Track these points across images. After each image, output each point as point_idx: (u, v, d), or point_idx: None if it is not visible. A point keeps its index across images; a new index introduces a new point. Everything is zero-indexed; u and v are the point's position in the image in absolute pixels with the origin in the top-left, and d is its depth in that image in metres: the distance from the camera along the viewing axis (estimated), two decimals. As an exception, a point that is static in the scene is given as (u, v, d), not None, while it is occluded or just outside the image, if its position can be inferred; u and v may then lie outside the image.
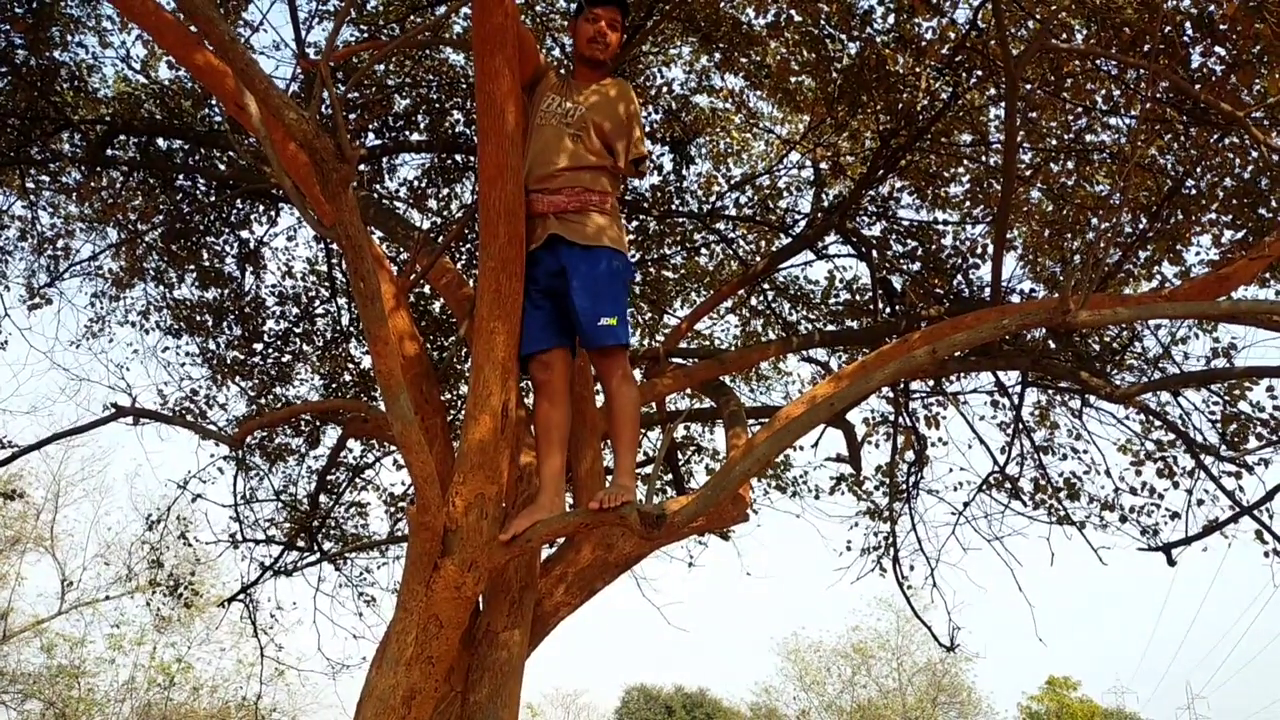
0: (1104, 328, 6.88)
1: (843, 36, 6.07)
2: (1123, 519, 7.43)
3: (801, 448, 8.56)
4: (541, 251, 3.55)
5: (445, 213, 7.57)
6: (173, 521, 8.82)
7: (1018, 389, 7.24)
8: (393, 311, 4.09)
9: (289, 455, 8.50)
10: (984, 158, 6.67)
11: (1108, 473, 7.49)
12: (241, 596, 8.63)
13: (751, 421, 5.87)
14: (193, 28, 3.75)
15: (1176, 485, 7.10)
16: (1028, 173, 6.50)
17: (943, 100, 6.08)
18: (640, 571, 10.28)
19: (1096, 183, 6.45)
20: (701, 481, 9.06)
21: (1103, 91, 5.88)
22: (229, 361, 7.96)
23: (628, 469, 3.40)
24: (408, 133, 7.09)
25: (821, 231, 6.80)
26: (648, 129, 7.29)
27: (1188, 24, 5.11)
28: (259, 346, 7.97)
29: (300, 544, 8.48)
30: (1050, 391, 7.56)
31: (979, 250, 6.95)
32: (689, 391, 7.38)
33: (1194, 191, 5.91)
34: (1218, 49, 5.12)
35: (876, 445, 8.20)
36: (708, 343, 8.86)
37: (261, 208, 7.56)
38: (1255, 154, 5.49)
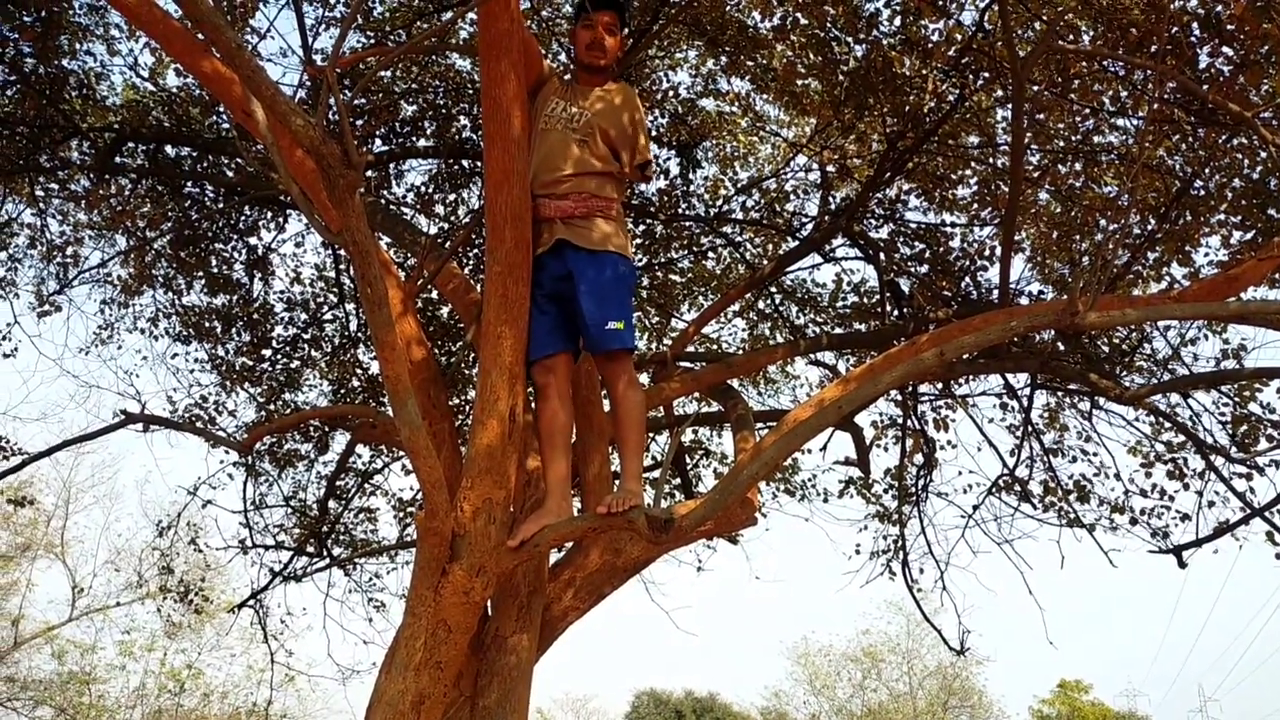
0: (1113, 329, 6.86)
1: (849, 39, 6.07)
2: (1133, 521, 7.40)
3: (810, 451, 8.56)
4: (548, 256, 3.55)
5: (452, 218, 7.58)
6: (183, 527, 8.85)
7: (1027, 391, 7.22)
8: (400, 317, 4.10)
9: (298, 461, 8.52)
10: (991, 159, 6.66)
11: (1117, 475, 7.46)
12: (251, 602, 8.65)
13: (759, 425, 5.87)
14: (200, 35, 3.76)
15: (1187, 487, 7.07)
16: (1035, 174, 6.49)
17: (949, 102, 6.07)
18: (649, 576, 10.27)
19: (1104, 184, 6.43)
20: (709, 485, 9.06)
21: (1110, 93, 5.87)
22: (238, 367, 7.98)
23: (635, 473, 3.40)
24: (414, 138, 7.11)
25: (829, 234, 6.79)
26: (654, 133, 7.29)
27: (1195, 24, 5.10)
28: (268, 352, 7.98)
29: (310, 549, 8.50)
30: (1059, 394, 7.54)
31: (987, 252, 6.93)
32: (697, 395, 7.37)
33: (1202, 192, 5.88)
34: (1225, 49, 5.10)
35: (885, 448, 8.19)
36: (715, 346, 8.86)
37: (269, 214, 7.58)
38: (1264, 154, 5.48)
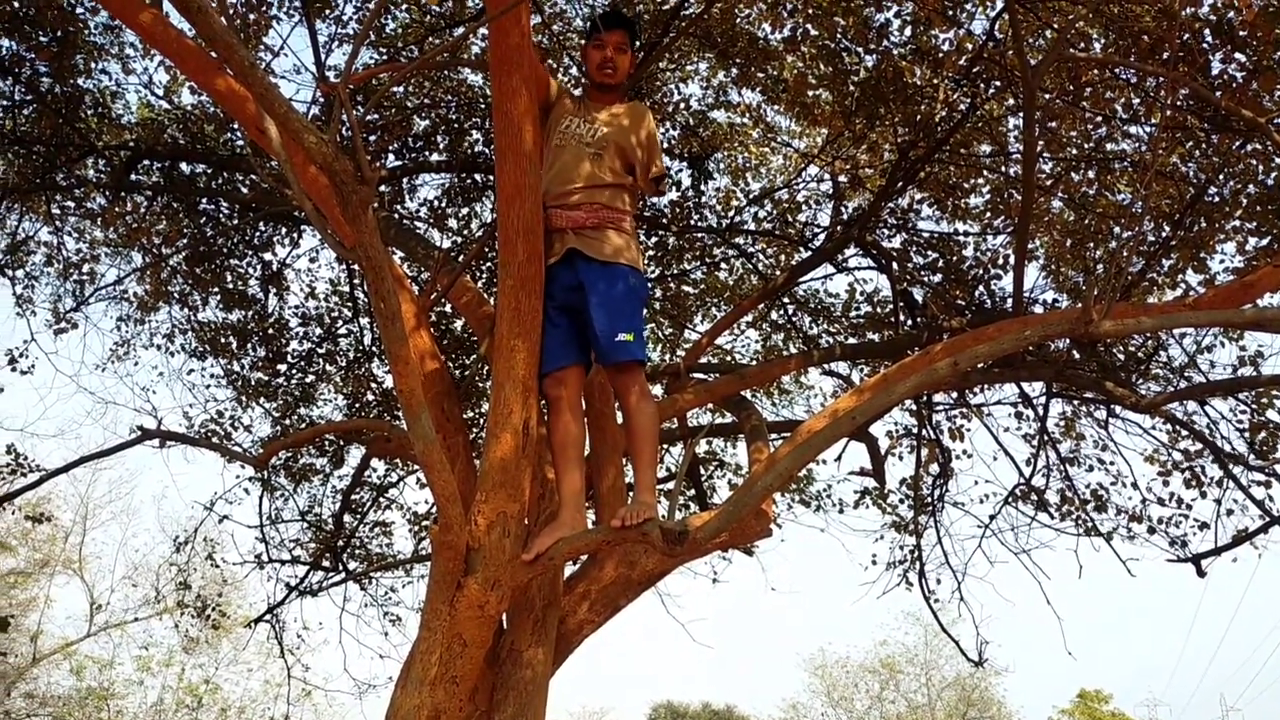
0: (1128, 337, 6.82)
1: (859, 49, 6.07)
2: (1151, 530, 7.35)
3: (824, 461, 8.53)
4: (559, 267, 3.56)
5: (465, 232, 7.61)
6: (200, 543, 8.88)
7: (1042, 400, 7.20)
8: (414, 331, 4.11)
9: (313, 475, 8.54)
10: (1004, 168, 6.65)
11: (1135, 484, 7.42)
12: (268, 617, 8.66)
13: (773, 436, 5.86)
14: (213, 53, 3.79)
15: (1205, 495, 7.02)
16: (1048, 182, 6.47)
17: (961, 111, 6.07)
18: (664, 588, 10.26)
19: (1118, 191, 6.41)
20: (724, 497, 9.03)
21: (1122, 100, 5.86)
22: (253, 383, 8.02)
23: (649, 485, 3.40)
24: (427, 153, 7.14)
25: (841, 245, 6.78)
26: (665, 145, 7.30)
27: (1207, 30, 5.08)
28: (283, 368, 8.01)
29: (325, 564, 8.51)
30: (1075, 402, 7.50)
31: (1000, 261, 6.92)
32: (710, 407, 7.36)
33: (1217, 199, 5.86)
34: (1238, 55, 5.09)
35: (900, 458, 8.16)
36: (728, 358, 8.85)
37: (284, 230, 7.62)
38: (1278, 160, 5.45)
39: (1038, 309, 6.68)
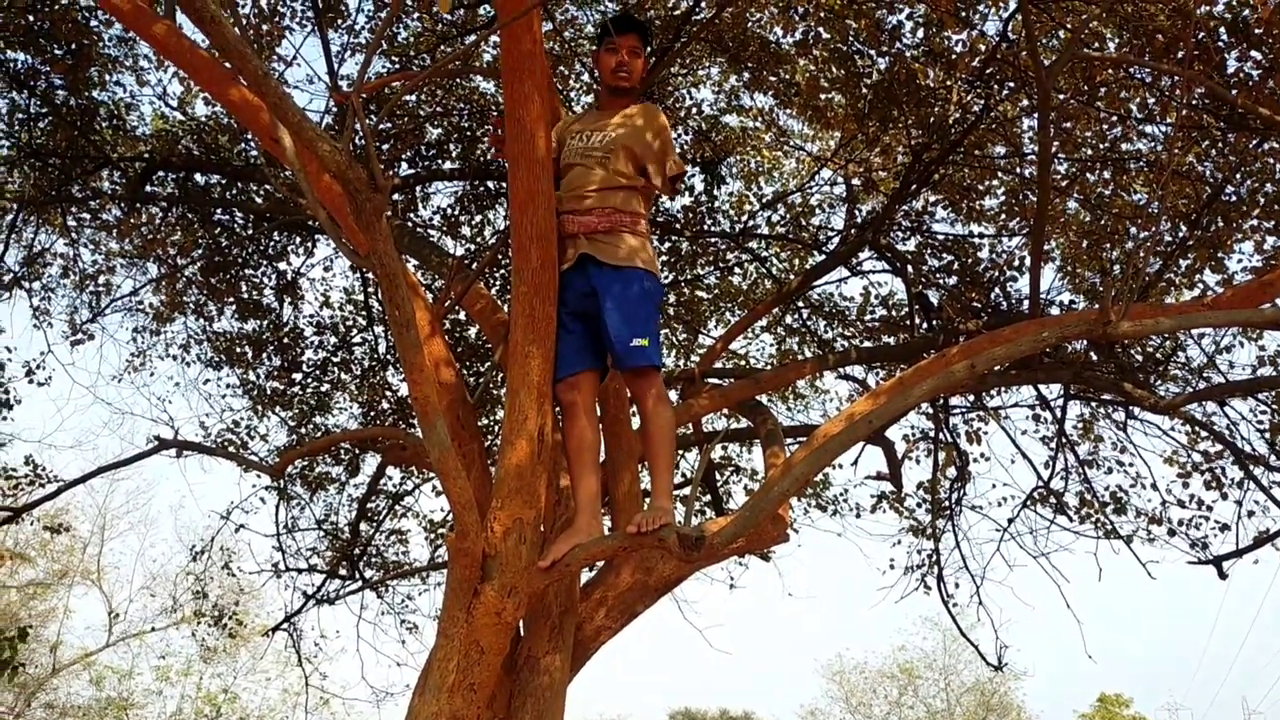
0: (1146, 338, 6.78)
1: (872, 52, 6.06)
2: (1171, 532, 7.31)
3: (841, 466, 8.50)
4: (572, 273, 3.55)
5: (478, 239, 7.62)
6: (217, 552, 8.91)
7: (1060, 402, 7.16)
8: (428, 338, 4.11)
9: (329, 484, 8.56)
10: (1018, 169, 6.62)
11: (1154, 485, 7.38)
12: (285, 626, 8.69)
13: (789, 440, 5.84)
14: (227, 64, 3.80)
15: (1225, 497, 6.97)
16: (1064, 183, 6.44)
17: (975, 113, 6.04)
18: (681, 594, 10.23)
19: (1134, 191, 6.38)
20: (740, 502, 9.01)
21: (1137, 99, 5.83)
22: (269, 392, 8.04)
23: (665, 490, 3.38)
24: (440, 161, 7.15)
25: (855, 248, 6.77)
26: (678, 150, 7.30)
27: (1222, 29, 5.05)
28: (298, 376, 8.04)
29: (342, 572, 8.53)
30: (1093, 404, 7.46)
31: (1016, 263, 6.89)
32: (726, 412, 7.34)
33: (1234, 198, 5.82)
34: (1254, 53, 5.06)
35: (917, 462, 8.13)
36: (743, 362, 8.83)
37: (298, 239, 7.65)
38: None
39: (1054, 311, 6.65)
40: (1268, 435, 6.57)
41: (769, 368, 7.95)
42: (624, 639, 4.35)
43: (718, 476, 8.55)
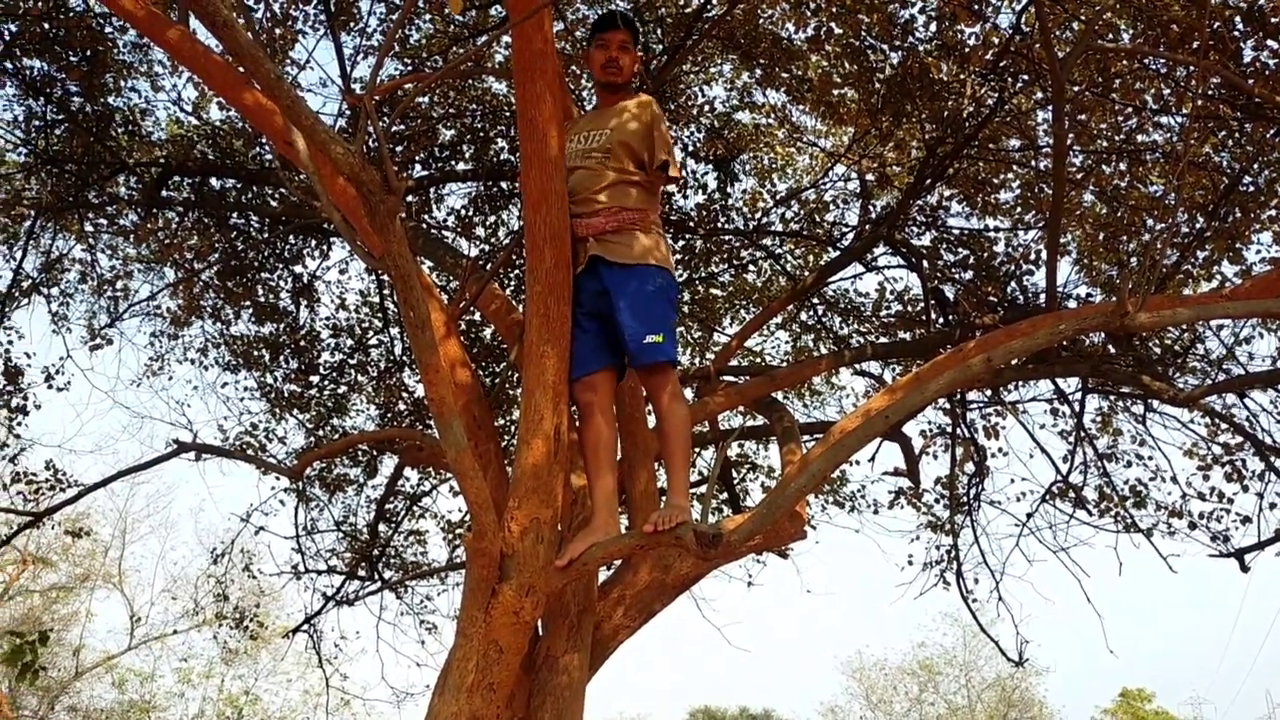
0: (1164, 330, 6.74)
1: (884, 47, 6.04)
2: (1192, 525, 7.26)
3: (858, 462, 8.47)
4: (584, 275, 3.55)
5: (492, 240, 7.63)
6: (237, 554, 8.96)
7: (1078, 396, 7.12)
8: (443, 339, 4.12)
9: (348, 485, 8.59)
10: (1033, 162, 6.58)
11: (1174, 478, 7.33)
12: (305, 627, 8.72)
13: (806, 437, 5.83)
14: (240, 68, 3.82)
15: (1246, 489, 6.93)
16: (1079, 176, 6.41)
17: (989, 106, 6.01)
18: (699, 592, 10.23)
19: (1150, 183, 6.34)
20: (757, 499, 9.00)
21: (1152, 90, 5.79)
22: (286, 395, 8.07)
23: (681, 488, 3.38)
24: (453, 162, 7.16)
25: (870, 243, 6.74)
26: (691, 148, 7.29)
27: (1237, 18, 5.02)
28: (315, 379, 8.06)
29: (361, 573, 8.56)
30: (1112, 397, 7.42)
31: (1032, 256, 6.85)
32: (741, 409, 7.33)
33: (1251, 188, 5.78)
34: (1270, 42, 5.02)
35: (935, 457, 8.10)
36: (759, 360, 8.82)
37: (313, 242, 7.67)
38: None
39: (1071, 304, 6.61)
40: (1289, 427, 6.52)
41: (784, 365, 7.93)
42: (642, 637, 4.35)
43: (734, 474, 8.54)
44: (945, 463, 7.66)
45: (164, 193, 7.07)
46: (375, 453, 8.29)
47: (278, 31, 6.36)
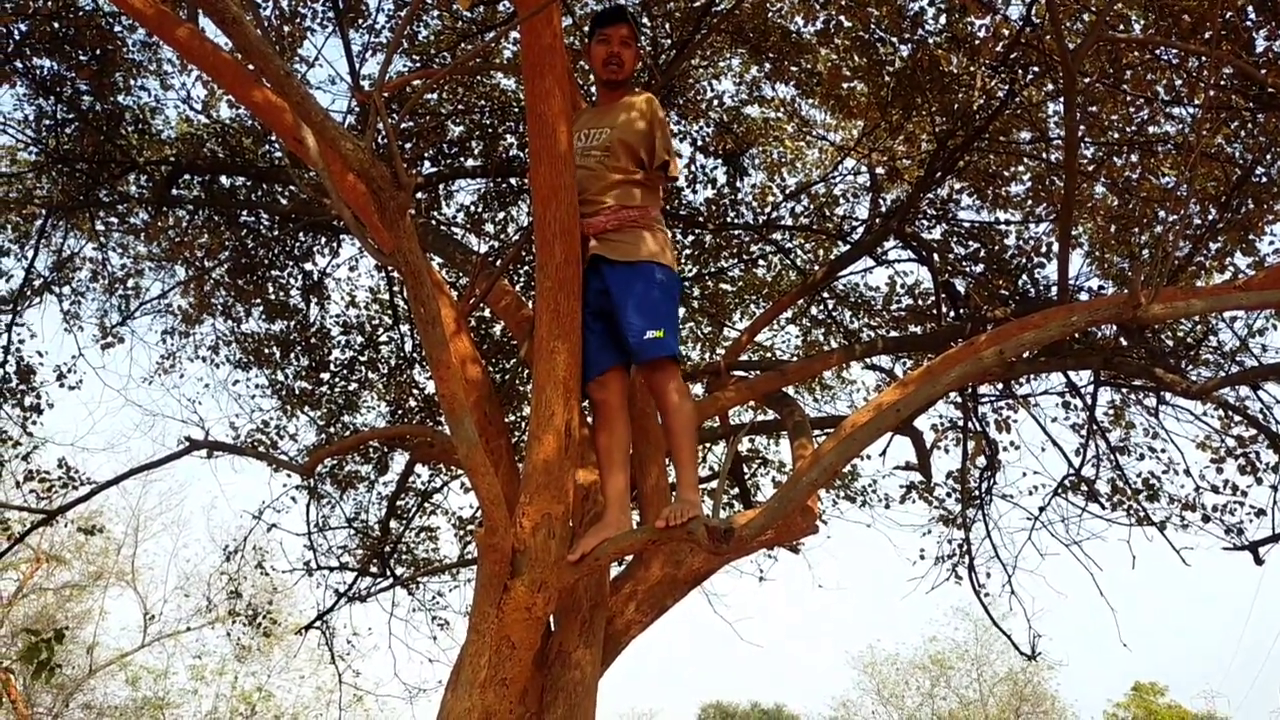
0: (1177, 322, 6.71)
1: (894, 39, 6.02)
2: (1205, 518, 7.23)
3: (869, 456, 8.45)
4: (587, 273, 3.55)
5: (502, 236, 7.63)
6: (249, 551, 8.98)
7: (1090, 389, 7.09)
8: (454, 336, 4.12)
9: (359, 482, 8.61)
10: (1045, 155, 6.55)
11: (1187, 471, 7.30)
12: (318, 624, 8.75)
13: (817, 432, 5.82)
14: (250, 65, 3.82)
15: (1260, 481, 6.89)
16: (1090, 168, 6.37)
17: (999, 98, 5.99)
18: (710, 587, 10.23)
19: (1162, 174, 6.30)
20: (768, 494, 8.99)
21: (1164, 81, 5.76)
22: (297, 392, 8.09)
23: (691, 483, 3.38)
24: (462, 158, 7.17)
25: (880, 237, 6.72)
26: (700, 142, 7.28)
27: (1250, 8, 4.98)
28: (326, 376, 8.08)
29: (373, 570, 8.58)
30: (1124, 390, 7.38)
31: (1044, 249, 6.82)
32: (752, 404, 7.32)
33: (1264, 179, 5.74)
34: (1283, 31, 4.98)
35: (946, 451, 8.08)
36: (769, 354, 8.80)
37: (323, 239, 7.68)
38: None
39: (1083, 297, 6.58)
40: (1303, 419, 6.48)
41: (795, 359, 7.92)
42: (654, 633, 4.35)
43: (745, 469, 8.53)
44: (957, 456, 7.65)
45: (174, 191, 7.09)
46: (386, 449, 8.30)
47: (286, 28, 6.36)
